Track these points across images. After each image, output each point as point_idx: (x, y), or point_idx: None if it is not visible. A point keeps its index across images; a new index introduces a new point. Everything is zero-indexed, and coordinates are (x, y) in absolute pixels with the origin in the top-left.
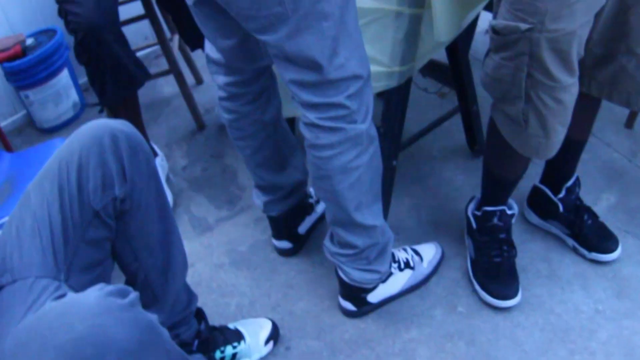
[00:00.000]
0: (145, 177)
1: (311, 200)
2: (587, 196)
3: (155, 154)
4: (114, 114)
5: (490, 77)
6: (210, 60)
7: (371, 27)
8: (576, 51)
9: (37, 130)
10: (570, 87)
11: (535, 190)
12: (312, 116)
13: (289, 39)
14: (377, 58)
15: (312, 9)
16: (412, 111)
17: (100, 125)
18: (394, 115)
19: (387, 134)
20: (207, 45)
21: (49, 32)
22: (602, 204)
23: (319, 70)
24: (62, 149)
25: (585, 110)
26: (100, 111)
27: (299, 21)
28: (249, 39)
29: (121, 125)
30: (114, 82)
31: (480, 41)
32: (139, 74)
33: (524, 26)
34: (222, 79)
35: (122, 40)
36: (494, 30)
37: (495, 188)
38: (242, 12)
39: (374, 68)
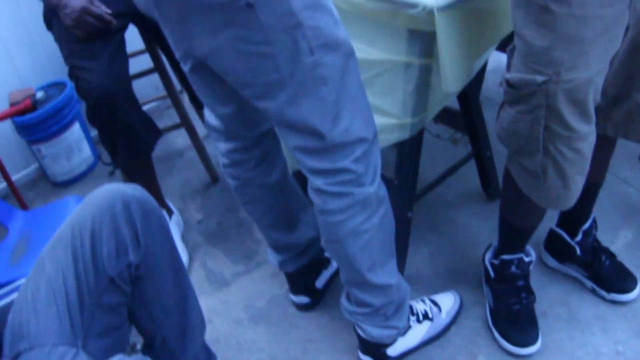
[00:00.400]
0: (159, 241)
1: (327, 255)
2: (604, 234)
3: (171, 212)
4: (127, 174)
5: (507, 131)
6: (210, 127)
7: (381, 79)
8: (592, 98)
9: (50, 184)
10: (588, 135)
11: (552, 234)
12: (318, 182)
13: (288, 106)
14: (388, 110)
15: (310, 75)
16: (426, 158)
17: (112, 190)
18: (407, 168)
19: (401, 186)
20: (207, 112)
21: (59, 85)
22: (619, 242)
23: (322, 136)
24: (75, 215)
25: (601, 152)
26: (112, 173)
27: (297, 87)
28: (247, 106)
29: (133, 190)
30: (126, 148)
31: (491, 80)
32: (151, 138)
33: (539, 78)
34: (223, 146)
35: (133, 104)
36: (509, 84)
37: (513, 237)
38: (239, 79)
39: (385, 120)
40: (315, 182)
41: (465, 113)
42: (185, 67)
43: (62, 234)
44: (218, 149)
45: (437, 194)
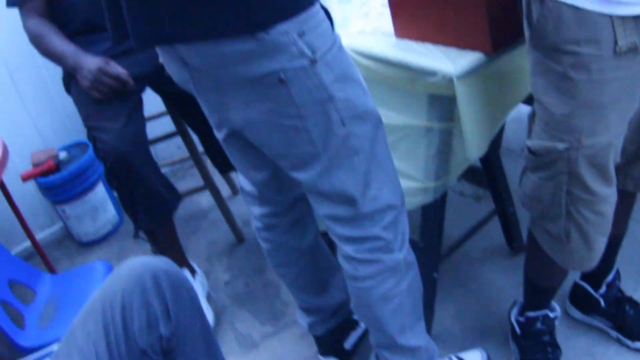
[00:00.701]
0: (189, 313)
1: (356, 317)
2: (627, 282)
3: (194, 272)
4: (149, 236)
5: (530, 197)
6: (244, 192)
7: (402, 143)
8: (613, 160)
9: (76, 243)
10: (609, 197)
11: (576, 286)
12: (349, 249)
13: (322, 177)
14: (411, 174)
15: (342, 146)
16: (450, 215)
17: (140, 264)
18: (431, 230)
19: (426, 248)
20: (240, 177)
21: (82, 146)
22: None
23: (353, 204)
24: (104, 288)
25: (622, 207)
26: (136, 234)
27: (331, 159)
28: (281, 172)
29: (161, 263)
30: (146, 209)
31: (511, 130)
32: (170, 199)
33: (561, 146)
34: (257, 210)
35: (152, 165)
36: (530, 151)
37: (538, 295)
38: (274, 150)
39: (408, 184)
40: (345, 249)
41: (487, 169)
42: (220, 135)
43: (92, 306)
44: (251, 213)
45: (462, 251)
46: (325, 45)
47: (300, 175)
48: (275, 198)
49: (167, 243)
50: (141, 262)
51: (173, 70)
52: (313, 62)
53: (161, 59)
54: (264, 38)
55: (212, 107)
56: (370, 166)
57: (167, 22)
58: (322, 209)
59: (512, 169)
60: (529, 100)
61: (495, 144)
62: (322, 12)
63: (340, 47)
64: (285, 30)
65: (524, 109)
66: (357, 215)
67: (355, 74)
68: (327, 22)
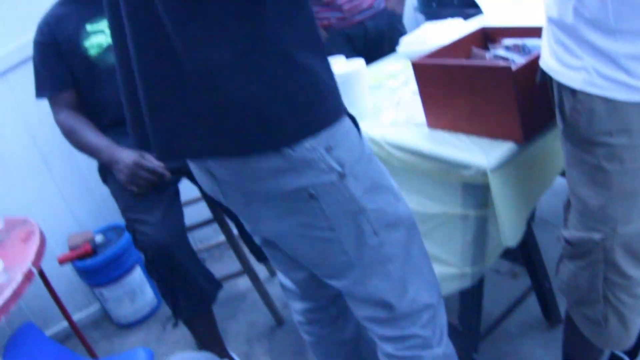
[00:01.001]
0: None
1: None
2: None
3: None
4: (189, 325)
5: (567, 284)
6: (284, 288)
7: (439, 230)
8: None
9: (114, 325)
10: None
11: (613, 356)
12: (388, 348)
13: (357, 284)
14: (448, 260)
15: (376, 255)
16: (487, 292)
17: None
18: (470, 314)
19: (466, 331)
20: (280, 275)
21: (117, 229)
22: None
23: (390, 308)
24: None
25: None
26: (176, 324)
27: (365, 268)
28: None
29: (205, 359)
30: (187, 300)
31: (542, 201)
32: (211, 289)
33: (597, 236)
34: (298, 306)
35: (191, 256)
36: (567, 242)
37: None
38: (308, 260)
39: (446, 270)
40: (384, 347)
41: (521, 246)
42: (256, 240)
43: None
44: (293, 308)
45: (500, 327)
46: (353, 157)
47: (336, 284)
48: (316, 294)
49: (206, 333)
50: (185, 358)
51: (202, 180)
52: (342, 176)
53: (191, 167)
54: (290, 154)
55: (245, 217)
56: (406, 271)
57: (190, 137)
58: (359, 312)
59: (547, 240)
60: (564, 172)
61: (529, 219)
62: (348, 122)
63: (370, 157)
64: (312, 146)
65: (557, 180)
66: (394, 317)
67: (385, 181)
68: (355, 131)
